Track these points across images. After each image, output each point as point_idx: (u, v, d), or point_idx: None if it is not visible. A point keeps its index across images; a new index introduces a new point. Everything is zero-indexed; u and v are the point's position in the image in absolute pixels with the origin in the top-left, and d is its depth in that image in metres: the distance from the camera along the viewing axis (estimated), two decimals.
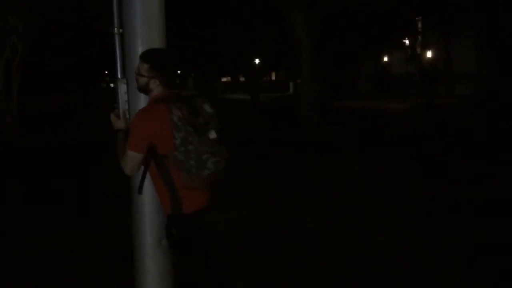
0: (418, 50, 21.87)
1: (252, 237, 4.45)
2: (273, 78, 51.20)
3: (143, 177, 2.43)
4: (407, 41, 23.93)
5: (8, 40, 12.48)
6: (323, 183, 6.75)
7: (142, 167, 2.41)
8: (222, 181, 2.43)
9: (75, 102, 25.60)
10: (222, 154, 2.35)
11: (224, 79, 52.41)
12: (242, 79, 43.94)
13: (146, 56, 2.39)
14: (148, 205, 2.62)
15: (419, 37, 22.02)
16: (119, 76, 2.61)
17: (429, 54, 25.99)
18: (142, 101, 2.53)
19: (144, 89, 2.42)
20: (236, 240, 4.36)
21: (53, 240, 4.47)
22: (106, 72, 42.45)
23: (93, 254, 4.12)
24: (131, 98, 2.57)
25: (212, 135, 2.32)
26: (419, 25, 23.05)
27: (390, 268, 3.70)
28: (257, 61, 26.41)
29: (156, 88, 2.39)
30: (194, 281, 2.52)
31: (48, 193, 6.43)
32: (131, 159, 2.34)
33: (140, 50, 2.52)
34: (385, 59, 34.55)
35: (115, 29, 2.59)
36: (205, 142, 2.27)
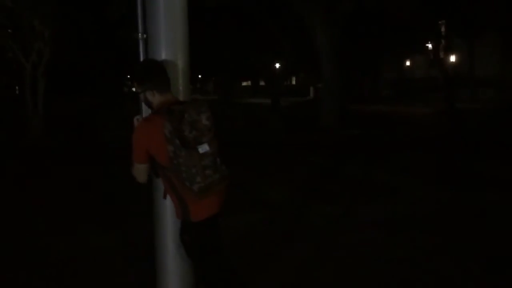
0: (441, 54, 21.57)
1: (271, 242, 4.44)
2: (294, 82, 51.13)
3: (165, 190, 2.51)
4: (429, 45, 23.62)
5: (34, 45, 12.79)
6: (343, 187, 6.71)
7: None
8: (240, 185, 2.44)
9: (97, 105, 26.02)
10: (216, 167, 2.33)
11: (244, 83, 52.57)
12: (262, 83, 44.03)
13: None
14: (170, 207, 2.65)
15: (442, 41, 21.72)
16: None
17: (452, 58, 25.61)
18: None
19: (148, 104, 2.49)
20: (254, 245, 4.36)
21: (73, 241, 4.55)
22: (128, 76, 43.06)
23: (114, 255, 4.18)
24: None
25: (204, 149, 2.29)
26: (443, 29, 22.73)
27: (411, 274, 3.66)
28: (277, 65, 26.40)
29: (154, 98, 2.43)
30: (208, 285, 2.56)
31: (70, 194, 6.55)
32: (137, 169, 2.44)
33: (163, 55, 2.58)
34: (407, 63, 34.17)
35: (140, 34, 2.65)
36: (193, 156, 2.24)
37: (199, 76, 45.20)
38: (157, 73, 2.43)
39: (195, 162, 2.24)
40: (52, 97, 19.99)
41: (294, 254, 4.12)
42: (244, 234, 4.55)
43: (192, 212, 2.38)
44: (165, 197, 2.53)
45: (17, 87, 39.03)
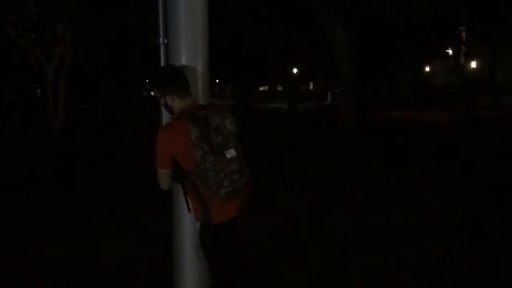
0: (462, 60, 21.29)
1: (287, 247, 4.43)
2: (311, 87, 51.03)
3: (186, 196, 2.50)
4: (450, 51, 23.32)
5: (56, 50, 13.04)
6: (361, 193, 6.65)
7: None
8: (259, 190, 2.45)
9: (117, 109, 26.36)
10: (242, 172, 2.36)
11: (262, 88, 52.67)
12: (280, 88, 44.05)
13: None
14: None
15: (463, 46, 21.43)
16: None
17: (473, 64, 25.24)
18: None
19: (168, 109, 2.50)
20: (272, 249, 4.35)
21: (91, 244, 4.60)
22: (147, 81, 43.56)
23: (131, 258, 4.21)
24: None
25: (231, 153, 2.32)
26: (463, 34, 22.43)
27: (425, 282, 3.60)
28: (295, 70, 26.39)
29: (174, 103, 2.44)
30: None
31: (88, 196, 6.64)
32: (161, 175, 2.43)
33: (183, 59, 2.60)
34: (427, 69, 33.79)
35: (160, 39, 2.68)
36: (221, 161, 2.27)
37: (217, 80, 45.45)
38: (176, 78, 2.44)
39: (223, 167, 2.27)
40: (73, 100, 20.35)
41: (310, 259, 4.10)
42: (260, 239, 4.53)
43: (214, 215, 2.40)
44: (189, 210, 2.52)
45: (38, 91, 39.88)
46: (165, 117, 2.65)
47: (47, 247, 4.52)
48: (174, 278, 2.81)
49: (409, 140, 12.99)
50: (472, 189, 6.73)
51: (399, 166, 8.78)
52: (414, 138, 13.68)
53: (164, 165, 2.40)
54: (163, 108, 2.64)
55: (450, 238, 4.59)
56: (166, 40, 2.68)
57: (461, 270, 3.82)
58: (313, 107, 32.59)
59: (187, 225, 2.71)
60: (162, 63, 2.69)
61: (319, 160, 9.80)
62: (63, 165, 9.67)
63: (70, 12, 12.37)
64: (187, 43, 2.61)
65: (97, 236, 4.81)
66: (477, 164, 8.91)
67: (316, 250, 4.33)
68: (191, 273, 2.73)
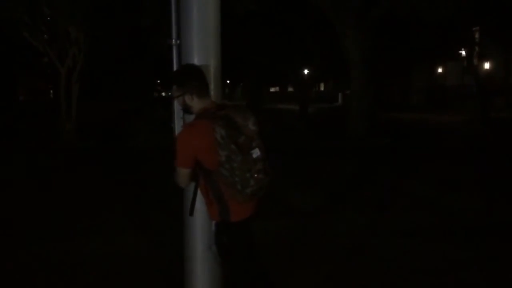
0: (475, 61, 21.03)
1: (297, 248, 4.41)
2: (322, 88, 50.89)
3: (194, 199, 2.52)
4: (463, 52, 23.06)
5: (69, 51, 13.17)
6: (371, 195, 6.61)
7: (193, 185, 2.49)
8: (270, 191, 2.45)
9: (129, 110, 26.53)
10: (266, 171, 2.38)
11: (272, 89, 52.66)
12: (290, 89, 43.99)
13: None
14: (200, 211, 2.67)
15: (476, 47, 21.18)
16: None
17: (486, 65, 24.94)
18: None
19: (186, 108, 2.49)
20: (282, 250, 4.33)
21: (102, 244, 4.62)
22: (159, 81, 43.78)
23: (143, 258, 4.23)
24: None
25: (256, 153, 2.34)
26: (477, 35, 22.19)
27: (438, 285, 3.55)
28: (306, 71, 26.33)
29: (193, 103, 2.44)
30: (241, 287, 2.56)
31: (99, 196, 6.68)
32: (181, 174, 2.43)
33: (196, 60, 2.60)
34: (439, 70, 33.48)
35: (173, 40, 2.69)
36: (248, 161, 2.30)
37: (227, 81, 45.55)
38: (197, 77, 2.45)
39: (250, 167, 2.30)
40: (85, 101, 20.52)
41: (320, 260, 4.09)
42: (270, 241, 4.52)
43: (232, 213, 2.41)
44: (192, 214, 2.55)
45: (51, 91, 40.34)
46: (177, 118, 2.66)
47: (56, 246, 4.55)
48: (185, 278, 2.81)
49: (421, 142, 12.88)
50: (486, 192, 6.64)
51: (410, 169, 8.70)
52: (426, 140, 13.55)
53: (185, 164, 2.39)
54: (175, 109, 2.65)
55: (461, 241, 4.54)
56: (178, 41, 2.69)
57: (472, 273, 3.78)
58: (324, 109, 32.49)
59: (199, 225, 2.71)
60: (175, 64, 2.70)
61: (329, 162, 9.75)
62: (74, 165, 9.76)
63: (83, 13, 12.48)
64: (200, 44, 2.62)
65: (108, 236, 4.84)
66: (491, 166, 8.80)
67: (327, 252, 4.32)
68: (202, 274, 2.74)
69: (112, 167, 9.35)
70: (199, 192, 2.51)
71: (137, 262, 4.12)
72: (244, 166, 2.27)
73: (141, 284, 3.69)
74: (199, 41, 2.62)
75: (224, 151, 2.26)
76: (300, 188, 7.04)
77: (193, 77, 2.44)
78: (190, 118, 2.63)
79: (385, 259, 4.13)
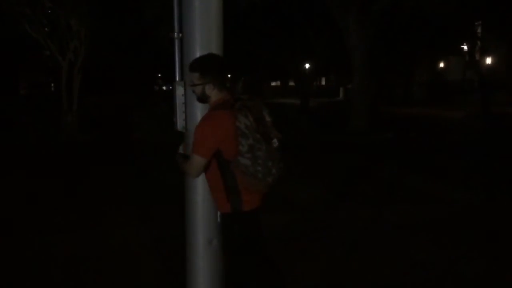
0: (477, 56, 20.96)
1: (299, 242, 4.42)
2: (323, 83, 50.79)
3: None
4: (465, 47, 22.98)
5: (70, 44, 13.14)
6: (373, 189, 6.62)
7: None
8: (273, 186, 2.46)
9: (130, 104, 26.52)
10: (282, 162, 2.43)
11: (273, 84, 52.56)
12: (292, 83, 43.88)
13: (194, 65, 2.45)
14: (201, 205, 2.68)
15: (478, 42, 21.10)
16: (177, 79, 2.69)
17: (488, 60, 24.85)
18: (199, 103, 2.58)
19: (203, 98, 2.48)
20: (285, 243, 4.34)
21: (103, 237, 4.63)
22: (159, 75, 43.75)
23: (144, 251, 4.24)
24: (188, 100, 2.65)
25: (275, 143, 2.40)
26: (479, 30, 22.08)
27: (438, 279, 3.57)
28: (307, 65, 26.26)
29: (212, 93, 2.44)
30: (247, 280, 2.59)
31: (100, 189, 6.69)
32: (197, 164, 2.39)
33: (198, 54, 2.59)
34: (441, 65, 33.40)
35: (175, 33, 2.67)
36: (271, 150, 2.35)
37: (229, 75, 45.48)
38: (222, 69, 2.48)
39: (273, 156, 2.35)
40: (87, 95, 20.52)
41: (322, 253, 4.11)
42: (273, 234, 4.53)
43: (245, 202, 2.43)
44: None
45: (52, 85, 40.30)
46: (179, 112, 2.65)
47: (58, 239, 4.56)
48: (187, 271, 2.82)
49: (423, 137, 12.87)
50: (487, 187, 6.64)
51: (413, 163, 8.71)
52: (428, 135, 13.54)
53: (206, 154, 2.37)
54: (177, 103, 2.64)
55: (463, 236, 4.54)
56: (180, 35, 2.67)
57: (473, 267, 3.78)
58: (325, 103, 32.44)
59: (200, 218, 2.71)
60: (177, 58, 2.69)
61: (331, 156, 9.75)
62: (75, 158, 9.77)
63: (84, 6, 12.44)
64: (202, 37, 2.60)
65: (109, 229, 4.85)
66: (493, 161, 8.79)
67: (328, 245, 4.33)
68: (203, 267, 2.74)
69: (113, 160, 9.36)
70: (205, 186, 2.50)
71: (139, 254, 4.13)
72: (268, 155, 2.32)
73: (142, 276, 3.71)
74: (202, 34, 2.60)
75: (247, 140, 2.29)
76: (301, 182, 7.04)
77: (219, 68, 2.46)
78: (192, 112, 2.62)
79: (386, 252, 4.14)
